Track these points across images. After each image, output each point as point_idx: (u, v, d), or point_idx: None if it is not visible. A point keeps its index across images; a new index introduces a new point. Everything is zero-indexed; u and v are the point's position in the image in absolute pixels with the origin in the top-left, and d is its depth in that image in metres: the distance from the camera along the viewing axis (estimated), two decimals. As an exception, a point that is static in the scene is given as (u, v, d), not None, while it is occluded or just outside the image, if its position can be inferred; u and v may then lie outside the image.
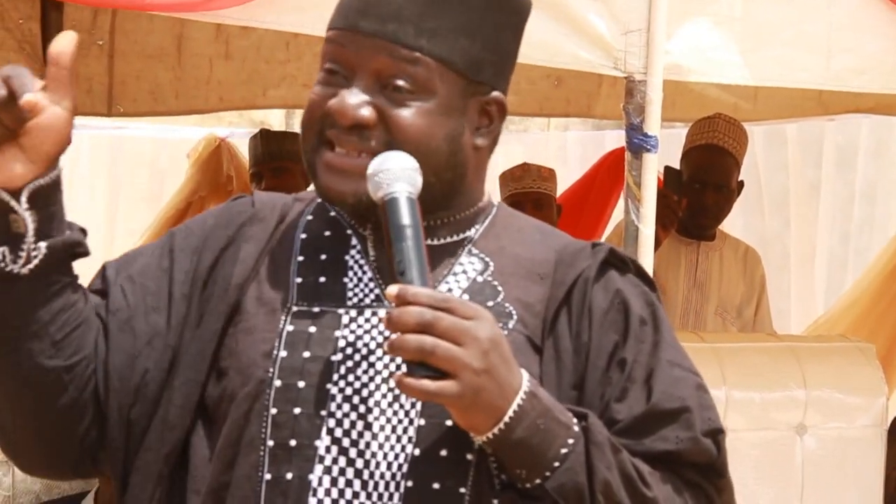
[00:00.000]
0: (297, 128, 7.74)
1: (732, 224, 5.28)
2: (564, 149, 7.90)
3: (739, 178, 5.09)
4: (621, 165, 5.79)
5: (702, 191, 5.00)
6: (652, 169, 3.29)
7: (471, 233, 1.95)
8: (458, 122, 1.88)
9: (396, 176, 1.81)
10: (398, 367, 1.82)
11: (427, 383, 1.71)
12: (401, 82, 1.84)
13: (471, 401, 1.72)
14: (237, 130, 7.05)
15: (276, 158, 5.62)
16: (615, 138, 6.63)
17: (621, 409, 1.87)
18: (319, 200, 1.97)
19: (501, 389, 1.74)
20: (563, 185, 5.90)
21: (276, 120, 8.90)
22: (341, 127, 1.85)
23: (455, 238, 1.94)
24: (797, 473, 3.87)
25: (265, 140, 5.68)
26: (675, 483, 1.88)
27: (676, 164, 5.14)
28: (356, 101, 1.84)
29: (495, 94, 1.92)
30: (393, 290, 1.72)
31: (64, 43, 1.77)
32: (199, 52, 5.95)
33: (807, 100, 5.93)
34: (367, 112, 1.84)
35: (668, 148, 4.85)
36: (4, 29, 5.58)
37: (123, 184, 7.76)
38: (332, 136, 1.86)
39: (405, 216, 1.78)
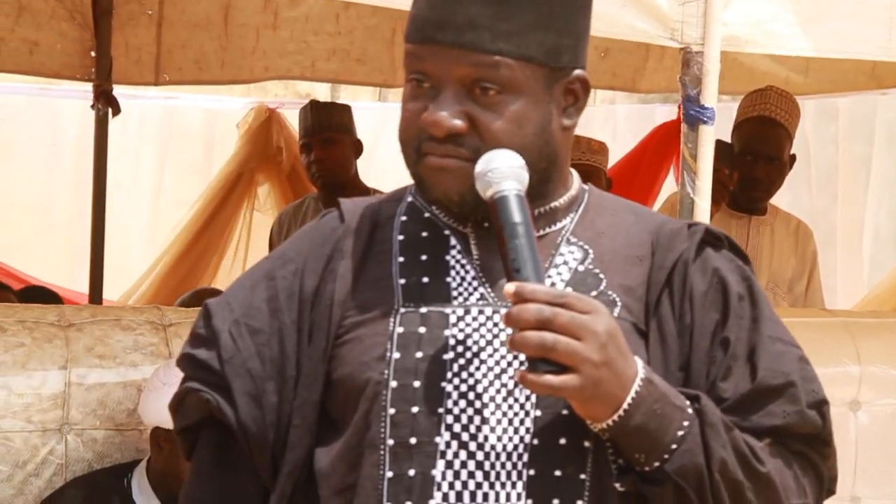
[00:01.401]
0: (343, 100, 7.78)
1: (779, 199, 5.24)
2: (613, 123, 7.87)
3: (791, 152, 5.05)
4: (672, 139, 5.81)
5: (753, 163, 4.96)
6: (708, 141, 3.26)
7: (566, 222, 1.99)
8: (546, 112, 1.93)
9: (505, 174, 1.86)
10: (509, 364, 1.89)
11: (550, 378, 1.77)
12: (486, 85, 1.89)
13: (591, 393, 1.79)
14: (288, 101, 7.06)
15: (325, 129, 5.61)
16: (665, 112, 6.60)
17: (727, 387, 1.92)
18: (410, 199, 2.03)
19: (619, 379, 1.80)
20: (612, 158, 5.87)
21: (322, 92, 8.89)
22: (436, 138, 1.90)
23: (552, 228, 1.98)
24: (851, 449, 3.85)
25: (315, 111, 5.68)
26: (784, 455, 1.93)
27: (725, 137, 5.10)
28: (447, 112, 1.90)
29: (577, 72, 1.96)
30: (510, 287, 1.78)
31: None
32: (245, 23, 5.95)
33: (859, 73, 5.88)
34: (459, 122, 1.90)
35: (718, 121, 4.82)
36: (56, -1, 5.60)
37: (170, 155, 7.78)
38: (429, 148, 1.92)
39: (516, 213, 1.83)
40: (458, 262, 1.96)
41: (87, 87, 5.87)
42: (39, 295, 5.31)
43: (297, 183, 6.36)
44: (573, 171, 2.03)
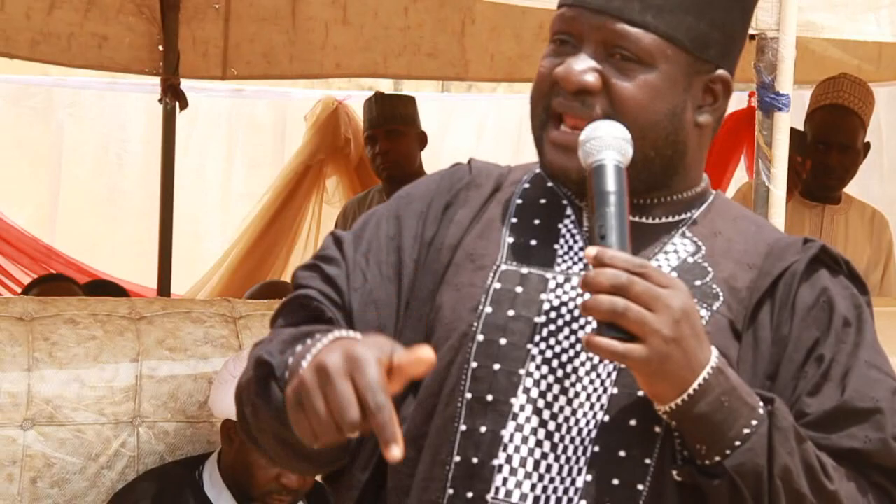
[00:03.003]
0: (406, 91, 7.76)
1: (849, 186, 5.17)
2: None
3: (865, 140, 4.99)
4: (742, 127, 5.75)
5: (826, 151, 4.91)
6: (784, 128, 3.22)
7: (686, 216, 1.97)
8: (680, 98, 1.91)
9: (606, 144, 1.85)
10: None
11: (615, 343, 1.73)
12: (625, 53, 1.88)
13: (657, 367, 1.75)
14: (354, 93, 7.07)
15: (389, 121, 5.62)
16: (735, 100, 6.54)
17: (812, 403, 1.87)
18: (538, 171, 2.02)
19: (689, 361, 1.76)
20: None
21: (386, 83, 8.89)
22: (566, 93, 1.89)
23: (670, 219, 1.96)
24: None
25: (379, 103, 5.68)
26: (860, 483, 1.87)
27: (796, 126, 5.04)
28: (582, 67, 1.89)
29: (720, 72, 1.94)
30: (591, 251, 1.75)
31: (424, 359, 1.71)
32: (313, 16, 5.95)
33: (933, 60, 5.80)
34: (591, 78, 1.89)
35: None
36: (124, -7, 5.64)
37: (239, 147, 7.81)
38: (557, 104, 1.90)
39: (610, 183, 1.81)
40: (569, 231, 1.95)
41: (155, 81, 5.90)
42: (105, 289, 5.34)
43: (366, 175, 6.36)
44: (705, 174, 2.01)
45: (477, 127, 8.14)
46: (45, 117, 7.67)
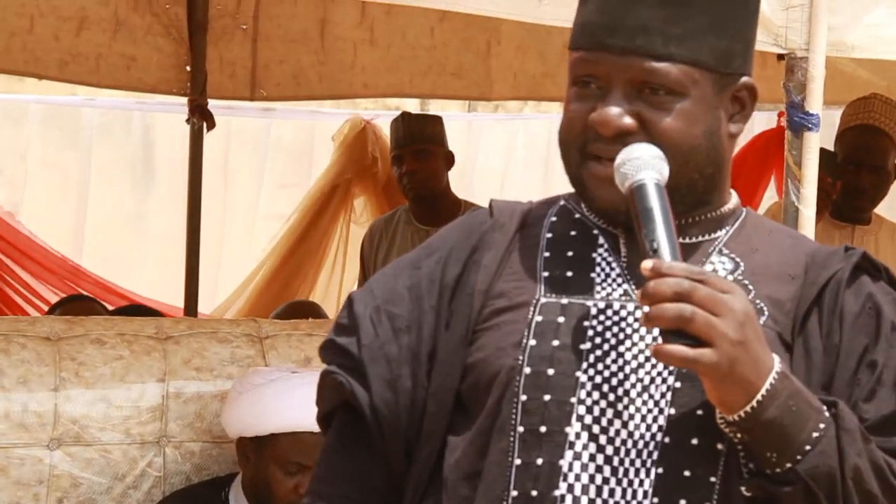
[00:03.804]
0: (433, 111, 7.76)
1: (878, 207, 5.15)
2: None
3: (896, 161, 4.97)
4: (772, 148, 5.74)
5: (857, 172, 4.90)
6: (813, 148, 3.21)
7: (721, 233, 1.99)
8: (714, 116, 1.93)
9: (644, 163, 1.87)
10: (647, 359, 1.88)
11: (685, 349, 1.75)
12: (655, 87, 1.90)
13: (727, 371, 1.76)
14: (381, 112, 7.08)
15: (417, 141, 5.62)
16: (764, 120, 6.51)
17: (869, 408, 1.89)
18: (562, 203, 2.04)
19: (755, 364, 1.78)
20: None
21: (412, 103, 8.90)
22: (605, 138, 1.91)
23: (706, 238, 1.98)
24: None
25: (406, 123, 5.68)
26: None
27: (825, 146, 5.02)
28: (616, 111, 1.90)
29: (745, 79, 1.96)
30: (648, 264, 1.77)
31: None
32: (342, 37, 5.97)
33: (963, 80, 5.77)
34: (628, 121, 1.90)
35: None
36: (152, 14, 5.66)
37: (266, 167, 7.82)
38: (596, 149, 1.92)
39: (654, 199, 1.83)
40: (604, 259, 1.96)
41: (183, 101, 5.92)
42: (137, 313, 5.33)
43: (393, 195, 6.36)
44: (734, 192, 2.03)
45: (505, 147, 8.13)
46: (73, 137, 7.70)
